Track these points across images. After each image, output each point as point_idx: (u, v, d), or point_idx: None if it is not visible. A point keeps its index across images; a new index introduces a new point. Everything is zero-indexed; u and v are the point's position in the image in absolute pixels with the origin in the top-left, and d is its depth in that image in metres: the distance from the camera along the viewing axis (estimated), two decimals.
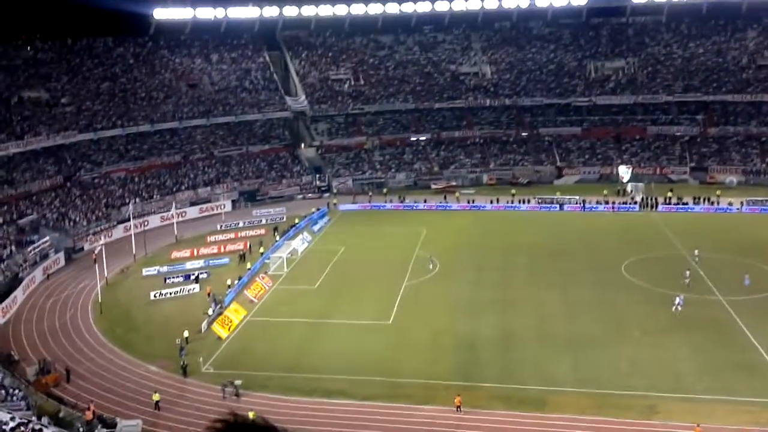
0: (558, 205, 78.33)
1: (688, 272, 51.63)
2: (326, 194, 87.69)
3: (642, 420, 33.35)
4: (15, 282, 54.60)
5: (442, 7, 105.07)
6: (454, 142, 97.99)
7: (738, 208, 74.37)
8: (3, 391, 32.67)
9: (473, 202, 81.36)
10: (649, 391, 35.71)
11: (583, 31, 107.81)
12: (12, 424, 22.61)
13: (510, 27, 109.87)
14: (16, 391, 33.55)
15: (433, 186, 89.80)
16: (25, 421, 24.59)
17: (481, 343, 42.44)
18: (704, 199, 76.88)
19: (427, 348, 42.01)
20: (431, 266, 57.15)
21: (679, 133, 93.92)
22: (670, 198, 77.93)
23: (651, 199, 77.38)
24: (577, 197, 78.87)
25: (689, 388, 35.99)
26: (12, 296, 51.58)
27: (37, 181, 72.98)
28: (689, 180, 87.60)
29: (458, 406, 34.50)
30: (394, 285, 53.27)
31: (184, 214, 76.14)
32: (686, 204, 76.55)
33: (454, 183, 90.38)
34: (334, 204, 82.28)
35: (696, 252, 56.38)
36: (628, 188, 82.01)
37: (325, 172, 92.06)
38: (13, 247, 59.79)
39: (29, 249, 60.61)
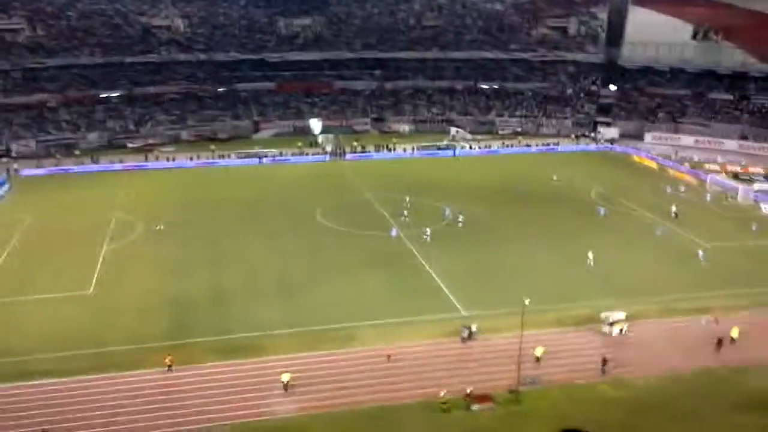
0: (258, 159, 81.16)
1: (405, 212, 59.52)
2: (3, 159, 79.34)
3: (342, 349, 37.29)
4: None
5: None
6: (149, 98, 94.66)
7: (411, 154, 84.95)
8: None
9: (174, 159, 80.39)
10: (347, 322, 40.02)
11: None
12: None
13: None
14: None
15: (130, 145, 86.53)
16: None
17: (192, 300, 43.09)
18: (384, 147, 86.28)
19: (134, 312, 41.55)
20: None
21: (360, 88, 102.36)
22: (356, 147, 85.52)
23: (340, 149, 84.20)
24: (275, 150, 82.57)
25: (380, 314, 41.05)
26: None
27: None
28: (371, 130, 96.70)
29: (170, 366, 34.53)
30: (93, 251, 51.40)
31: None
32: (369, 152, 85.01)
33: (152, 141, 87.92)
34: (15, 170, 74.96)
35: (407, 198, 63.29)
36: (320, 140, 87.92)
37: (2, 134, 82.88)
38: None
39: None
